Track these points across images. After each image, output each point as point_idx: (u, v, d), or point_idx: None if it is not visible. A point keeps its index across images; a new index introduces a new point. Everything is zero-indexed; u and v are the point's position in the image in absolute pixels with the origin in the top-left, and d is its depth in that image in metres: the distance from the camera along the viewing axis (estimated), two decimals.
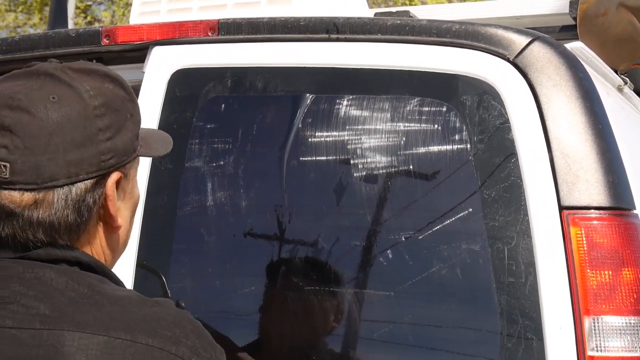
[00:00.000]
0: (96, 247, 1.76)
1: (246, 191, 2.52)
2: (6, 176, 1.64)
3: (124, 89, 1.79)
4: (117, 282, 1.75)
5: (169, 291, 2.53)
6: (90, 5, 18.35)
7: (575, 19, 3.20)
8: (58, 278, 1.66)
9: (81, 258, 1.70)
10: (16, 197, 1.65)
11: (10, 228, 1.67)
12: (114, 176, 1.73)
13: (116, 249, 1.82)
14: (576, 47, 2.59)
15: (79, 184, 1.67)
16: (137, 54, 2.77)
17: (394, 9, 3.61)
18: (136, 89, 2.70)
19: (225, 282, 2.54)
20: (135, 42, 2.76)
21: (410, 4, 13.78)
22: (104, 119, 1.71)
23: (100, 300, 1.64)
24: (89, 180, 1.69)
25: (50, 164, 1.65)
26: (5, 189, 1.65)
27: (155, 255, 2.57)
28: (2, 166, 1.64)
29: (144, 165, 2.57)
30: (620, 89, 3.17)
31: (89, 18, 18.01)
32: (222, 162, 2.54)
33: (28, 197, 1.65)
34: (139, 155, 1.83)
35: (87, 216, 1.70)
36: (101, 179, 1.70)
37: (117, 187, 1.74)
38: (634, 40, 3.20)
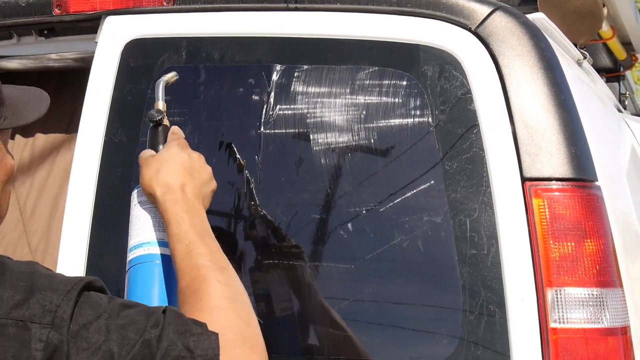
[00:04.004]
0: None
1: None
2: None
3: None
4: None
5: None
6: None
7: None
8: None
9: None
10: None
11: None
12: None
13: None
14: (537, 17, 2.57)
15: None
16: (91, 24, 2.69)
17: None
18: (90, 60, 2.64)
19: None
20: (88, 12, 2.69)
21: None
22: None
23: None
24: None
25: None
26: None
27: (109, 232, 2.51)
28: None
29: (97, 138, 2.50)
30: (579, 63, 3.16)
31: None
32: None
33: None
34: (3, 128, 1.75)
35: None
36: None
37: None
38: (593, 14, 3.19)
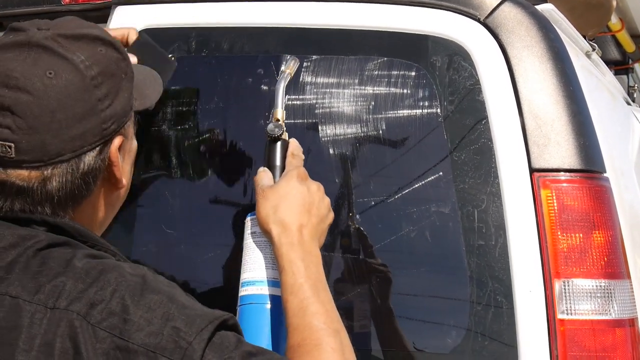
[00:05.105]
0: (98, 207, 1.81)
1: (212, 154, 2.47)
2: (12, 156, 1.66)
3: (116, 49, 1.79)
4: (98, 245, 1.75)
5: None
6: None
7: None
8: (9, 235, 1.68)
9: (48, 220, 1.71)
10: (24, 175, 1.68)
11: (20, 203, 1.70)
12: (116, 142, 1.76)
13: (117, 202, 1.88)
14: (546, 8, 2.57)
15: (83, 155, 1.71)
16: (99, 14, 2.70)
17: None
18: None
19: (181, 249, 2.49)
20: (97, 2, 2.70)
21: None
22: (102, 88, 1.72)
23: (39, 261, 1.65)
24: (94, 150, 1.72)
25: (55, 141, 1.67)
26: (13, 167, 1.68)
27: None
28: (7, 147, 1.66)
29: None
30: (588, 55, 3.15)
31: None
32: (187, 124, 2.49)
33: (36, 173, 1.68)
34: (136, 110, 1.85)
35: (93, 183, 1.74)
36: (104, 146, 1.74)
37: (119, 150, 1.78)
38: (602, 5, 3.19)
